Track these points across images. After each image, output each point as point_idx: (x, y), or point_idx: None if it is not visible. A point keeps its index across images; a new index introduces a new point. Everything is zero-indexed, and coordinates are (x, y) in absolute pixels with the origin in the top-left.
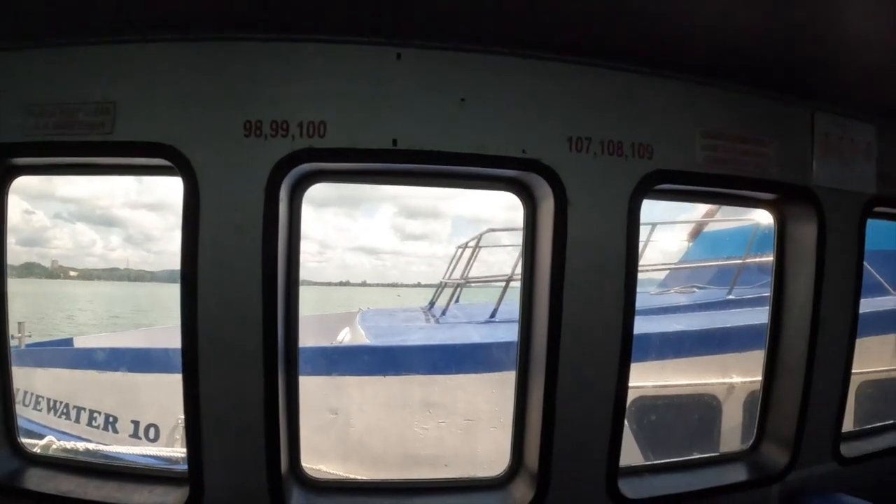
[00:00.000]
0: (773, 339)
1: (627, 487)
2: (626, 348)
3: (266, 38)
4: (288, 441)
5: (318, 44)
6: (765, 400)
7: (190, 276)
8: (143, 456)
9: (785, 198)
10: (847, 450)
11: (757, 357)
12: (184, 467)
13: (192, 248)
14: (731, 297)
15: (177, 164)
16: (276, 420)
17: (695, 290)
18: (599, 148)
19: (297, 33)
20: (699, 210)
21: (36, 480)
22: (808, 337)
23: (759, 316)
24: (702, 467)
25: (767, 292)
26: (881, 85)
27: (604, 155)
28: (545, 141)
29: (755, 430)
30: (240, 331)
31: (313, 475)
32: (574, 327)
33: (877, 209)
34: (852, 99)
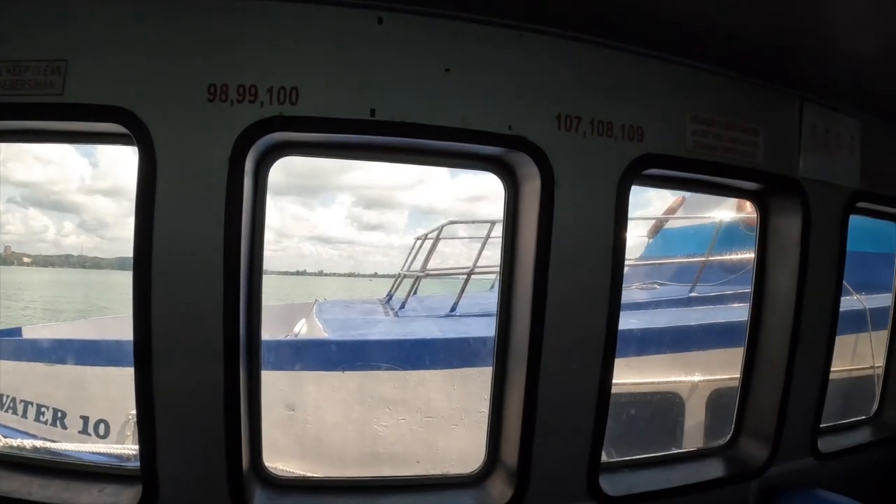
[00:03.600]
0: (754, 332)
1: (607, 484)
2: (612, 340)
3: None
4: (249, 437)
5: (293, 3)
6: (743, 394)
7: (144, 257)
8: (93, 453)
9: (770, 188)
10: (824, 445)
11: (720, 355)
12: (136, 464)
13: (148, 227)
14: (693, 294)
15: (132, 130)
16: (238, 415)
17: (656, 286)
18: (589, 127)
19: None
20: (657, 206)
21: None
22: (789, 331)
23: (722, 314)
24: (680, 463)
25: (729, 290)
26: (867, 80)
27: (593, 135)
28: (533, 118)
29: (733, 426)
30: (198, 319)
31: (277, 473)
32: (557, 318)
33: (859, 205)
34: (839, 92)
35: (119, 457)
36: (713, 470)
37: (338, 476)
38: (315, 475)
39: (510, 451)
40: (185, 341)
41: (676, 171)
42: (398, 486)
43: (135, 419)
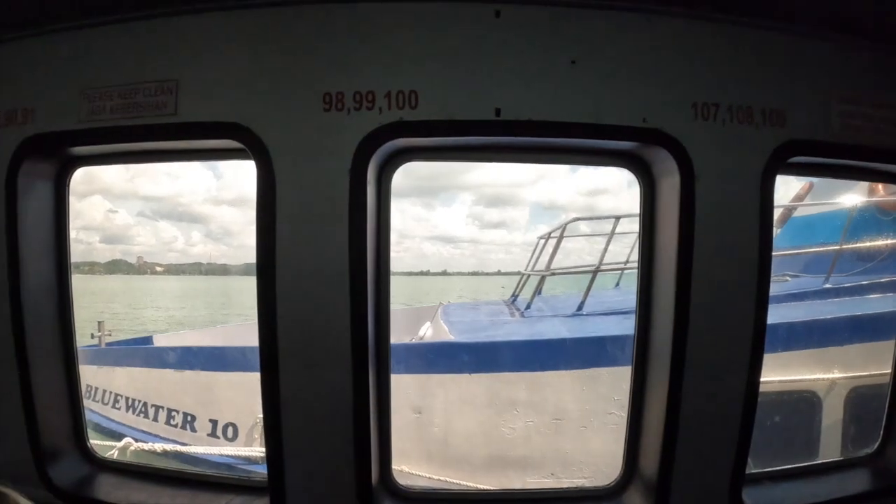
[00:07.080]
0: None
1: (750, 498)
2: (759, 341)
3: None
4: (379, 448)
5: (405, 2)
6: (893, 399)
7: (267, 269)
8: (222, 455)
9: None
10: None
11: (858, 350)
12: (262, 476)
13: (270, 239)
14: (827, 285)
15: (249, 145)
16: (367, 424)
17: (787, 278)
18: (728, 114)
19: None
20: (781, 193)
21: (106, 488)
22: None
23: (860, 306)
24: (824, 474)
25: (866, 280)
26: None
27: (733, 122)
28: (667, 108)
29: (881, 432)
30: (325, 326)
31: (406, 485)
32: (701, 317)
33: None
34: None
35: (247, 459)
36: (860, 482)
37: (468, 489)
38: (445, 489)
39: (649, 461)
40: (312, 349)
41: (824, 158)
42: (530, 499)
43: (262, 423)
